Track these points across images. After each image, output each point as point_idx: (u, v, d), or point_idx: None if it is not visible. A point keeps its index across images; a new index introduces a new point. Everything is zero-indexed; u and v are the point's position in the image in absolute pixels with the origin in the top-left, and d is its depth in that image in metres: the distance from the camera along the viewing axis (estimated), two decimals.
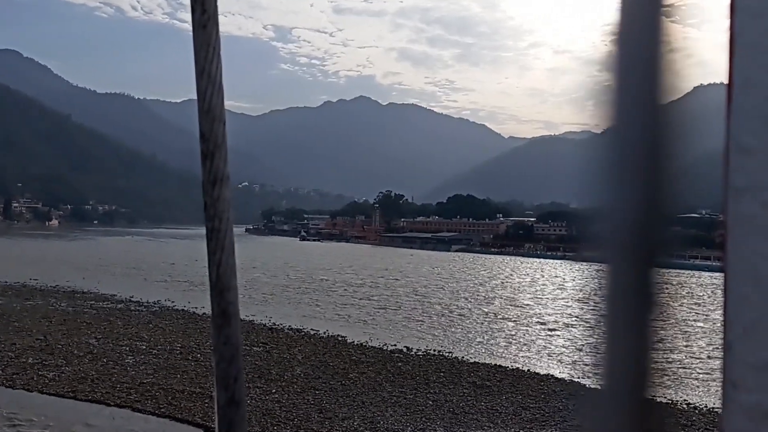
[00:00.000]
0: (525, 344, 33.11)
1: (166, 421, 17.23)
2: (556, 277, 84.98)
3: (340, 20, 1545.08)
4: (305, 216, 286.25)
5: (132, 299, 40.81)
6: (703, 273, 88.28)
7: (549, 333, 37.00)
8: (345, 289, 56.33)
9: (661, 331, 0.73)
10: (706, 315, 45.42)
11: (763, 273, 0.64)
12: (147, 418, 17.47)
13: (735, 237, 0.66)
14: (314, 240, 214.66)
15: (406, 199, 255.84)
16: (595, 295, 0.73)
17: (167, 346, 25.98)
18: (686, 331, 37.04)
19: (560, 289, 67.20)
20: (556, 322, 41.17)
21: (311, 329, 32.70)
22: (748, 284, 0.64)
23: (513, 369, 25.55)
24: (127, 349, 25.27)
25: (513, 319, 42.10)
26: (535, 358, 29.12)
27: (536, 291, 64.82)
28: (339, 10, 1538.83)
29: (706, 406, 20.76)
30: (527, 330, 37.94)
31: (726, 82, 0.67)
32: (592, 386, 0.74)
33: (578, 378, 23.86)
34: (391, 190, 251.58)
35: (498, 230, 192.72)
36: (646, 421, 0.73)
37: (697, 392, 23.17)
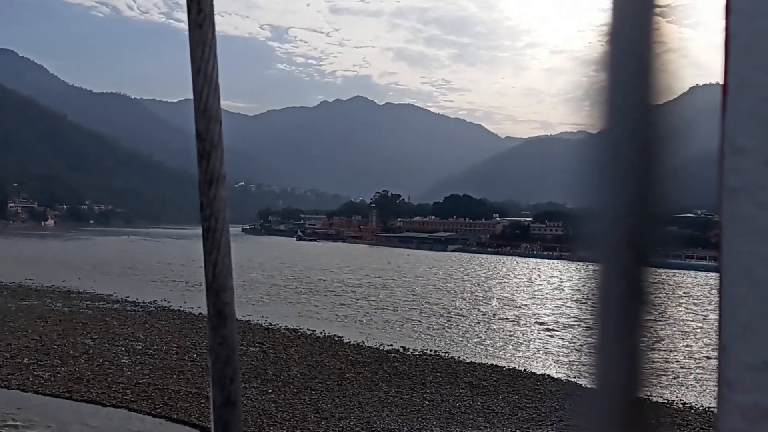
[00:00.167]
0: (522, 344, 33.17)
1: (162, 422, 17.20)
2: (552, 277, 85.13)
3: (336, 20, 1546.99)
4: (302, 216, 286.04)
5: (128, 299, 40.75)
6: (699, 273, 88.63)
7: (546, 333, 37.07)
8: (342, 289, 56.34)
9: (654, 331, 0.73)
10: (703, 315, 45.59)
11: (758, 273, 0.64)
12: (143, 419, 17.45)
13: (730, 237, 0.65)
14: (311, 240, 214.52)
15: (403, 199, 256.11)
16: (587, 295, 0.74)
17: (163, 347, 25.96)
18: (682, 331, 37.16)
19: (557, 289, 67.31)
20: (553, 322, 41.24)
21: (308, 329, 32.70)
22: (743, 284, 0.64)
23: (509, 369, 25.59)
24: (123, 349, 25.23)
25: (510, 319, 42.15)
26: (531, 358, 29.18)
27: (533, 291, 64.93)
28: (336, 10, 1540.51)
29: (702, 406, 20.83)
30: (524, 330, 38.00)
31: (721, 83, 0.66)
32: (586, 386, 0.75)
33: (575, 378, 23.90)
34: (387, 190, 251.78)
35: (494, 230, 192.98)
36: (638, 421, 0.73)
37: (693, 392, 23.24)
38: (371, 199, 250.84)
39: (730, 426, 0.64)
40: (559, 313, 45.14)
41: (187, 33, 1.26)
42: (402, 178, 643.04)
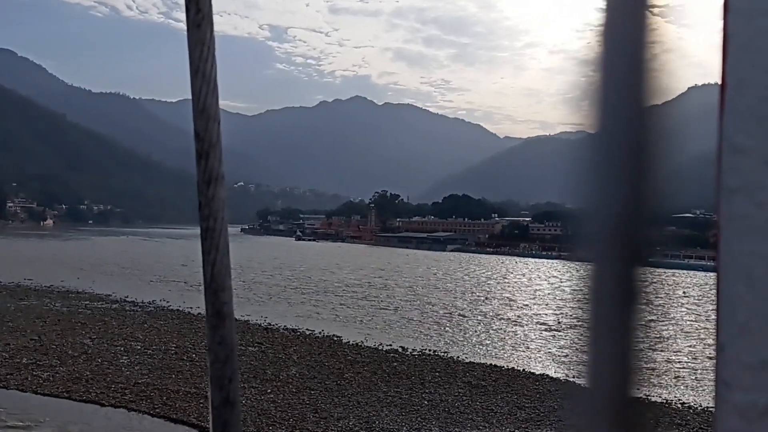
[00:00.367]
0: (520, 344, 33.16)
1: (161, 422, 17.22)
2: (551, 276, 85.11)
3: (335, 20, 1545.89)
4: (301, 216, 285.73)
5: (127, 299, 40.73)
6: (697, 273, 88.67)
7: (545, 333, 37.06)
8: (341, 289, 56.32)
9: (648, 331, 0.73)
10: (701, 314, 45.58)
11: (756, 273, 0.64)
12: (142, 418, 17.46)
13: (728, 237, 0.66)
14: (310, 240, 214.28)
15: (402, 199, 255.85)
16: (583, 294, 0.74)
17: (162, 347, 25.95)
18: (681, 330, 37.17)
19: (555, 288, 67.29)
20: (552, 322, 41.22)
21: (306, 329, 32.69)
22: (741, 284, 0.64)
23: (508, 369, 25.60)
24: (122, 349, 25.22)
25: (509, 319, 42.15)
26: (530, 358, 29.17)
27: (532, 291, 64.91)
28: (335, 10, 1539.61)
29: (700, 406, 20.83)
30: (523, 330, 37.99)
31: (719, 82, 0.67)
32: (580, 385, 0.75)
33: (573, 378, 23.88)
34: (386, 190, 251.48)
35: (493, 230, 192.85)
36: (631, 420, 0.73)
37: (691, 391, 23.24)
38: (370, 199, 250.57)
39: (729, 425, 0.64)
40: (559, 313, 45.12)
41: (185, 33, 1.26)
42: (401, 178, 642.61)
